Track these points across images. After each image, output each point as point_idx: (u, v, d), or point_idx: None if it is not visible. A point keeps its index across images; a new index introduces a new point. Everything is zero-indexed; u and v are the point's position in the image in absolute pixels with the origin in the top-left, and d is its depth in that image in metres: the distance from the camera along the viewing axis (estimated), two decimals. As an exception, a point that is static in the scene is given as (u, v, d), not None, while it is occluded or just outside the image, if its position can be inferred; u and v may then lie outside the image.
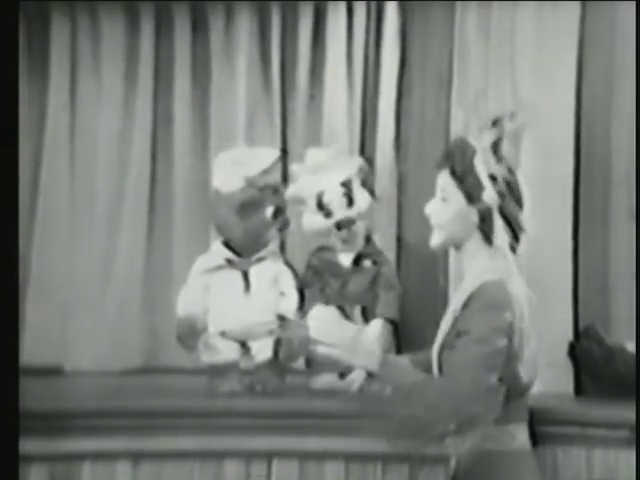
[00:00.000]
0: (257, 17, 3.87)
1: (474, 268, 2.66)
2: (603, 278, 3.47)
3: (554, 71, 3.49)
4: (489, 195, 2.63)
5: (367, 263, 3.33)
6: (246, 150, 3.40)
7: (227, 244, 3.25)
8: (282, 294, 3.23)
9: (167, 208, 3.87)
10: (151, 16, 3.89)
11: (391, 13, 3.78)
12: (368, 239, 3.39)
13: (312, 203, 3.31)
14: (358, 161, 3.40)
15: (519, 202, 2.67)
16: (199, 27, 3.90)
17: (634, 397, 3.00)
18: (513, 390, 2.59)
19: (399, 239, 3.75)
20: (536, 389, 2.74)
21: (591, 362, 3.29)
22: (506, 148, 2.69)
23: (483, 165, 2.65)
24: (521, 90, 3.49)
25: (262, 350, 3.17)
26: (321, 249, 3.38)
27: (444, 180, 2.70)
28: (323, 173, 3.29)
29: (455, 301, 2.68)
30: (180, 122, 3.90)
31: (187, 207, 3.85)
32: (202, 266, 3.24)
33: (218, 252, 3.25)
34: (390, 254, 3.69)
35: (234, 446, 2.98)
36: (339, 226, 3.29)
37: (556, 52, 3.50)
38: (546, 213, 3.36)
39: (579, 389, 3.35)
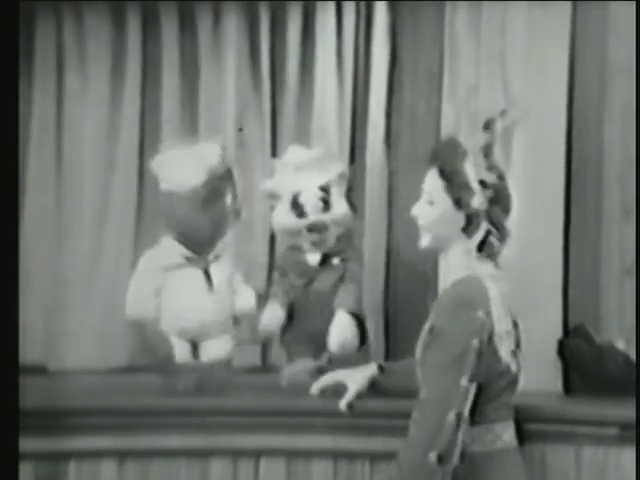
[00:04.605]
0: (245, 16, 3.86)
1: (454, 268, 2.64)
2: (594, 276, 3.45)
3: (545, 68, 3.47)
4: (478, 201, 2.60)
5: (335, 261, 3.30)
6: (185, 149, 3.33)
7: (178, 239, 3.22)
8: (236, 292, 3.23)
9: (155, 205, 3.81)
10: (137, 15, 3.87)
11: (381, 11, 3.77)
12: (339, 237, 3.34)
13: (287, 201, 3.28)
14: (340, 167, 3.37)
15: (506, 208, 2.65)
16: (187, 26, 3.88)
17: (623, 395, 3.00)
18: (492, 390, 2.56)
19: (389, 237, 3.73)
20: (525, 387, 2.72)
21: (581, 360, 3.28)
22: (497, 149, 2.67)
23: (474, 169, 2.62)
24: (512, 87, 3.47)
25: (214, 349, 3.17)
26: (289, 249, 3.36)
27: (432, 180, 2.66)
28: (304, 173, 3.26)
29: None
30: (169, 120, 3.87)
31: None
32: (156, 264, 3.21)
33: (173, 249, 3.22)
34: (380, 252, 3.70)
35: (221, 444, 2.98)
36: (310, 229, 3.26)
37: (547, 49, 3.47)
38: (537, 211, 3.35)
39: (568, 387, 3.33)
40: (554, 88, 3.47)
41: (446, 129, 3.50)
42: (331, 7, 3.81)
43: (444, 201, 2.62)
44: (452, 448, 2.44)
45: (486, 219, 2.62)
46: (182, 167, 3.17)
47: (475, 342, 2.49)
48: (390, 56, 3.78)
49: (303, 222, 3.26)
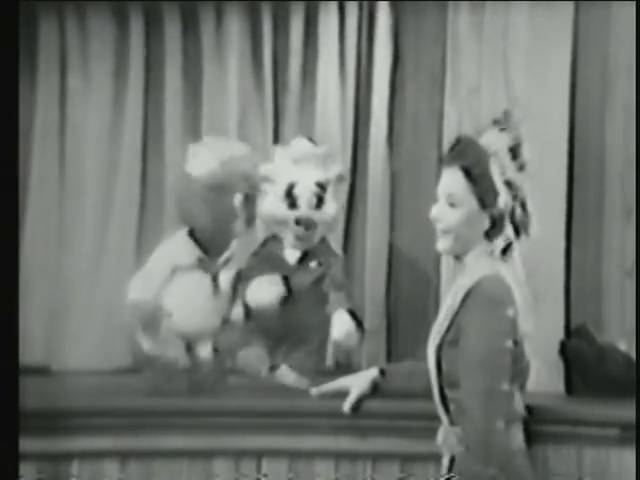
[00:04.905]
0: (248, 17, 3.86)
1: (473, 267, 2.60)
2: (596, 277, 3.46)
3: (548, 68, 3.48)
4: (503, 201, 2.57)
5: (312, 264, 3.30)
6: (221, 140, 3.35)
7: (192, 235, 3.23)
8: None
9: (158, 206, 3.85)
10: (140, 16, 3.88)
11: (383, 12, 3.77)
12: (322, 239, 3.35)
13: (281, 189, 3.27)
14: (340, 168, 3.37)
15: (525, 207, 2.63)
16: (189, 27, 3.88)
17: (625, 396, 3.00)
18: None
19: (391, 237, 3.73)
20: (527, 388, 2.72)
21: (583, 361, 3.28)
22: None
23: (499, 169, 2.58)
24: (515, 87, 3.48)
25: (204, 350, 3.18)
26: (270, 239, 3.36)
27: (454, 182, 2.57)
28: (304, 165, 3.26)
29: (452, 297, 2.59)
30: (171, 120, 3.88)
31: (178, 205, 3.82)
32: (169, 260, 3.20)
33: (186, 247, 3.22)
34: (382, 253, 3.69)
35: (224, 445, 2.98)
36: (298, 222, 3.26)
37: (550, 50, 3.48)
38: (539, 211, 3.34)
39: (570, 388, 3.34)
40: (556, 88, 3.47)
41: (448, 129, 3.50)
42: (333, 8, 3.81)
43: (469, 203, 2.55)
44: (506, 449, 2.45)
45: (509, 220, 2.59)
46: (203, 155, 3.19)
47: (509, 343, 2.47)
48: (392, 56, 3.79)
49: (293, 213, 3.26)
